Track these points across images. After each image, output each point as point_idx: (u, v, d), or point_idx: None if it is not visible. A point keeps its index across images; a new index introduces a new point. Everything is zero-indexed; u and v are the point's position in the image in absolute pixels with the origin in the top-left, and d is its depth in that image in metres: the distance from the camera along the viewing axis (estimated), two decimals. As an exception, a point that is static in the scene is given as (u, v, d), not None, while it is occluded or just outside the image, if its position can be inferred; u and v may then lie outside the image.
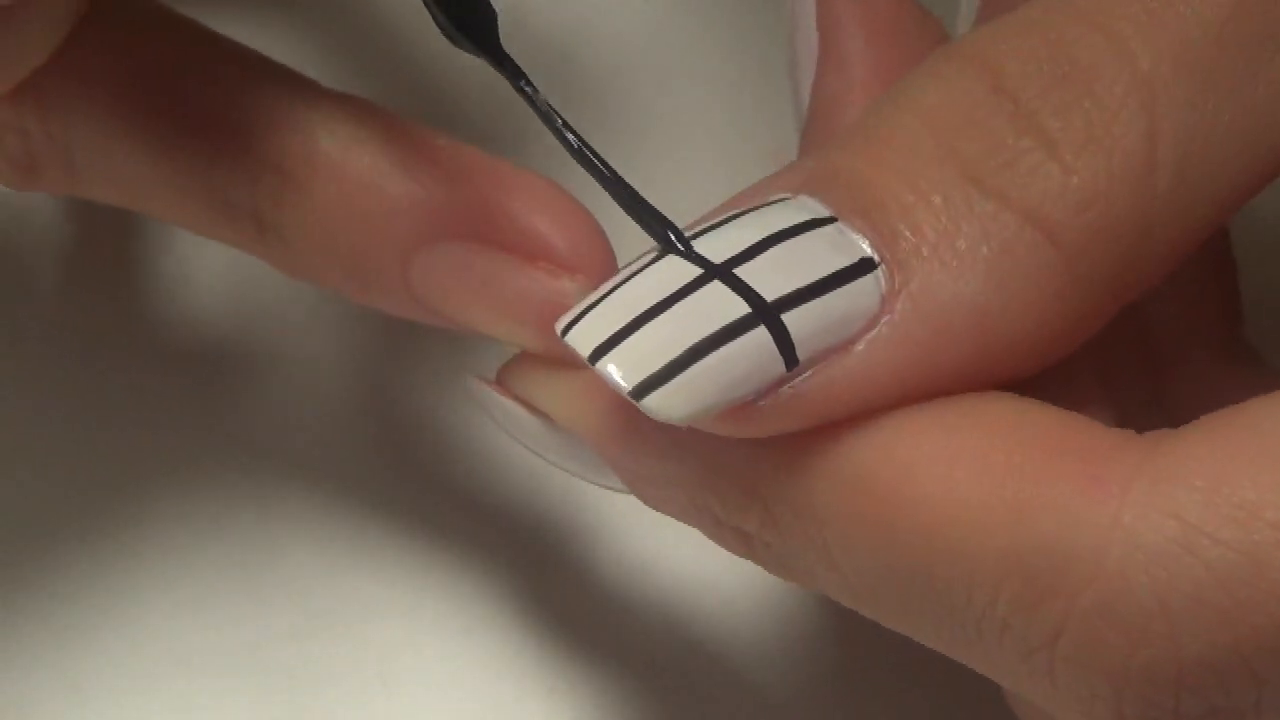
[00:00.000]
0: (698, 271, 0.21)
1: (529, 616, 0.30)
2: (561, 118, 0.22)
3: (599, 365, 0.20)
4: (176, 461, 0.30)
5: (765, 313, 0.20)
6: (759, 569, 0.30)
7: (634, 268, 0.21)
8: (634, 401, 0.20)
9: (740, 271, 0.20)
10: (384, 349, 0.32)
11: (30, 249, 0.32)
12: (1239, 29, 0.21)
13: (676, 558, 0.30)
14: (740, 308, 0.20)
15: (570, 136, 0.22)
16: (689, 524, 0.23)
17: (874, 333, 0.20)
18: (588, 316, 0.21)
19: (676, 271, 0.21)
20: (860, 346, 0.20)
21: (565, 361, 0.24)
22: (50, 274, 0.32)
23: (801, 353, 0.20)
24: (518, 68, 0.23)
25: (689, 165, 0.33)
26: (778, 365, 0.20)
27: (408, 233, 0.25)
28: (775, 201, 0.21)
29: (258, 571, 0.30)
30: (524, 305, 0.24)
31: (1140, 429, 0.21)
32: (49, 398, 0.31)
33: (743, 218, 0.21)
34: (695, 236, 0.21)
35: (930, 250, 0.20)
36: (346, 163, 0.25)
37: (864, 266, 0.20)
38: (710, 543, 0.30)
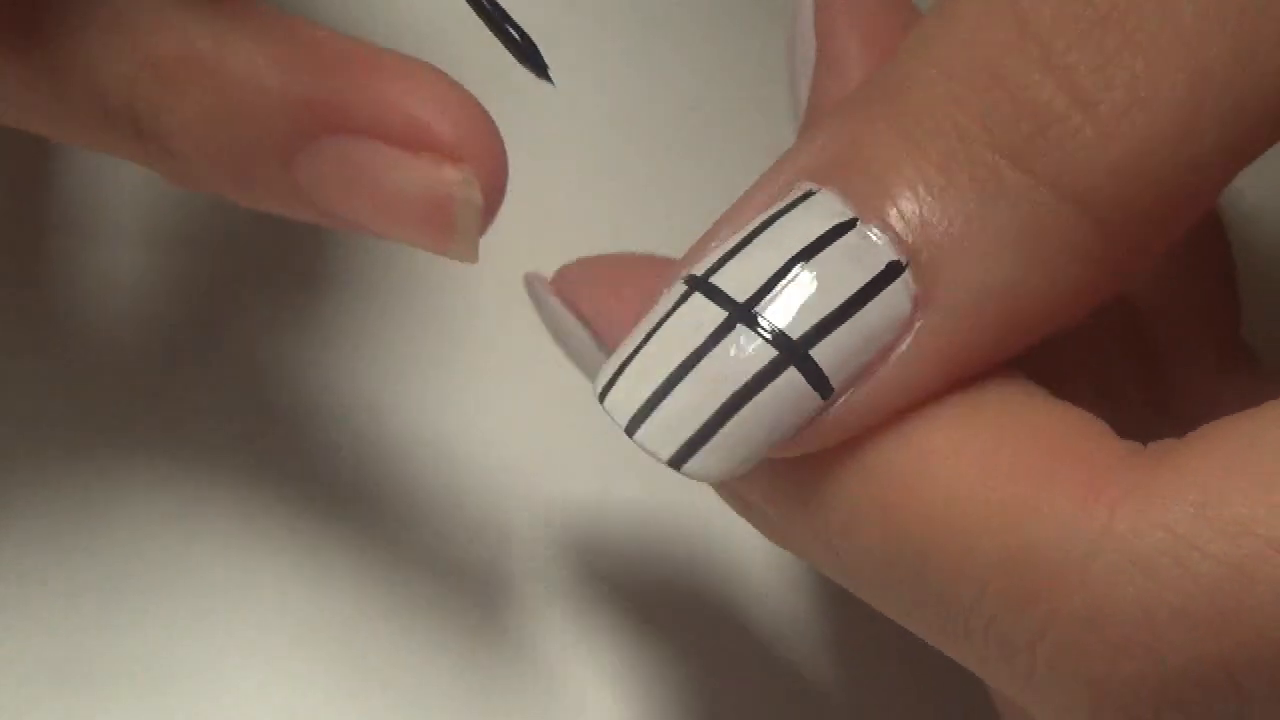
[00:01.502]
0: (722, 315, 0.20)
1: (528, 617, 0.30)
2: None
3: (636, 438, 0.20)
4: (173, 462, 0.31)
5: (794, 353, 0.20)
6: (760, 572, 0.30)
7: (659, 313, 0.21)
8: (674, 470, 0.20)
9: (763, 309, 0.20)
10: (383, 350, 0.32)
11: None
12: None
13: (677, 559, 0.30)
14: (767, 353, 0.20)
15: None
16: None
17: (908, 340, 0.20)
18: (621, 379, 0.20)
19: (701, 316, 0.20)
20: (895, 356, 0.20)
21: (610, 272, 0.24)
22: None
23: (836, 381, 0.20)
24: None
25: (688, 162, 0.33)
26: (813, 400, 0.20)
27: (289, 130, 0.24)
28: (791, 207, 0.21)
29: (257, 572, 0.30)
30: (410, 200, 0.23)
31: (1138, 433, 0.21)
32: (45, 398, 0.31)
33: (762, 235, 0.20)
34: (719, 266, 0.21)
35: (959, 237, 0.20)
36: (223, 61, 0.24)
37: (890, 272, 0.20)
38: (711, 544, 0.30)
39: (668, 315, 0.20)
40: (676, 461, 0.20)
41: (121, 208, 0.32)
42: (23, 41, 0.24)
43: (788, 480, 0.21)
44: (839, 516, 0.20)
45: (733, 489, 0.22)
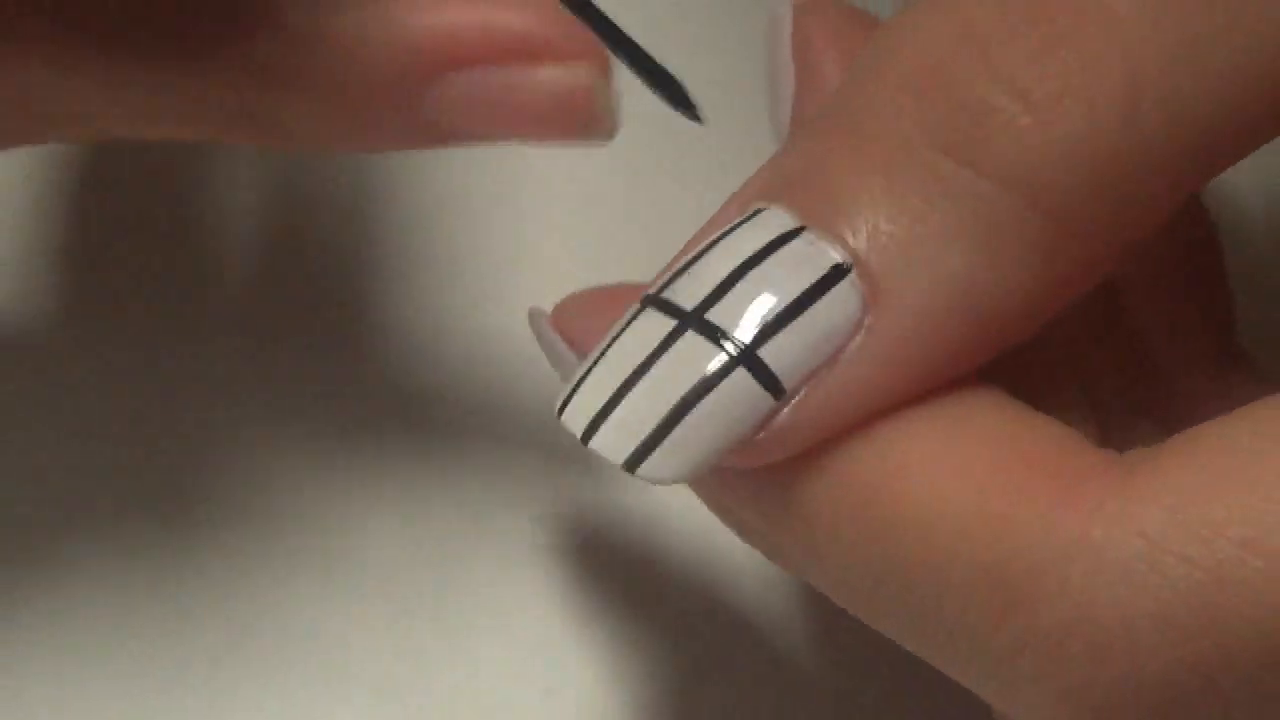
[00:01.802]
0: (672, 324, 0.20)
1: (528, 617, 0.30)
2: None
3: (591, 445, 0.20)
4: (172, 462, 0.31)
5: (742, 354, 0.20)
6: (758, 575, 0.30)
7: (616, 329, 0.21)
8: (629, 473, 0.20)
9: (712, 314, 0.20)
10: (381, 352, 0.32)
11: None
12: None
13: (677, 559, 0.30)
14: (715, 355, 0.20)
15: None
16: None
17: (859, 339, 0.20)
18: (577, 394, 0.21)
19: (653, 326, 0.21)
20: (847, 356, 0.20)
21: (603, 303, 0.24)
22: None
23: (788, 381, 0.20)
24: None
25: (686, 164, 0.33)
26: (766, 401, 0.20)
27: (406, 83, 0.24)
28: (744, 222, 0.21)
29: (256, 572, 0.30)
30: (549, 107, 0.24)
31: (1125, 434, 0.21)
32: (44, 399, 0.31)
33: (712, 250, 0.21)
34: (671, 282, 0.21)
35: (905, 238, 0.20)
36: (322, 36, 0.24)
37: (837, 274, 0.20)
38: (711, 546, 0.30)
39: (621, 331, 0.21)
40: (631, 464, 0.20)
41: (120, 208, 0.32)
42: (115, 60, 0.24)
43: (772, 499, 0.21)
44: (821, 533, 0.20)
45: (722, 504, 0.23)
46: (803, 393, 0.20)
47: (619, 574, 0.30)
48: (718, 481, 0.22)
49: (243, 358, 0.31)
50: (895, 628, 0.21)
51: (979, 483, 0.19)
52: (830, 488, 0.20)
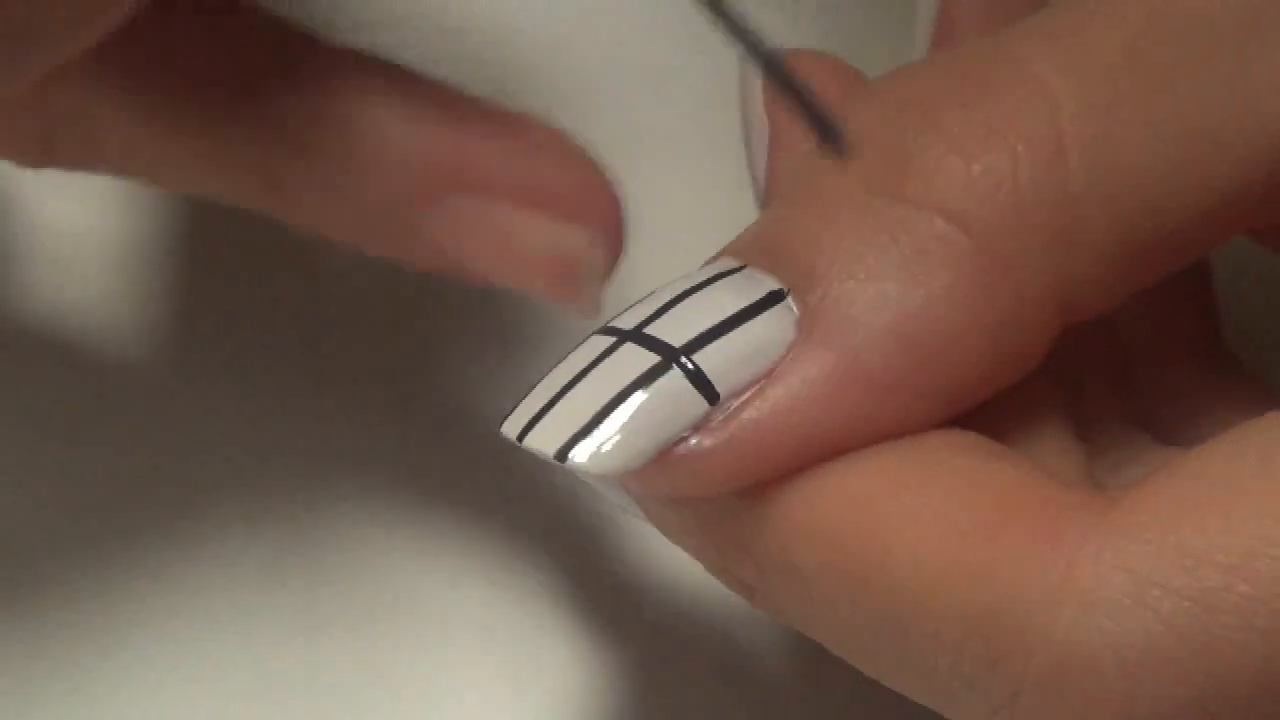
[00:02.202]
0: (610, 340, 0.21)
1: (528, 617, 0.30)
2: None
3: (525, 443, 0.21)
4: (174, 463, 0.31)
5: (675, 356, 0.20)
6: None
7: (561, 358, 0.22)
8: (560, 464, 0.20)
9: (651, 329, 0.21)
10: (383, 348, 0.32)
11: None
12: (1151, 43, 0.20)
13: (678, 560, 0.30)
14: (650, 358, 0.20)
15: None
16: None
17: (794, 358, 0.20)
18: (519, 408, 0.21)
19: (593, 346, 0.21)
20: (785, 374, 0.20)
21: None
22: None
23: (721, 387, 0.20)
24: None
25: (687, 176, 0.32)
26: (699, 403, 0.20)
27: (418, 188, 0.25)
28: (693, 272, 0.21)
29: (256, 572, 0.30)
30: (536, 257, 0.25)
31: (1121, 449, 0.22)
32: (43, 399, 0.31)
33: (659, 291, 0.21)
34: (617, 316, 0.21)
35: (840, 267, 0.20)
36: (352, 119, 0.25)
37: (772, 298, 0.21)
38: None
39: (566, 356, 0.21)
40: (562, 454, 0.20)
41: (119, 208, 0.32)
42: (154, 101, 0.25)
43: (761, 556, 0.21)
44: (817, 591, 0.21)
45: (715, 565, 0.23)
46: (739, 404, 0.20)
47: (624, 575, 0.30)
48: (708, 539, 0.22)
49: (242, 359, 0.31)
50: (898, 680, 0.21)
51: (958, 533, 0.19)
52: (815, 551, 0.20)
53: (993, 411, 0.21)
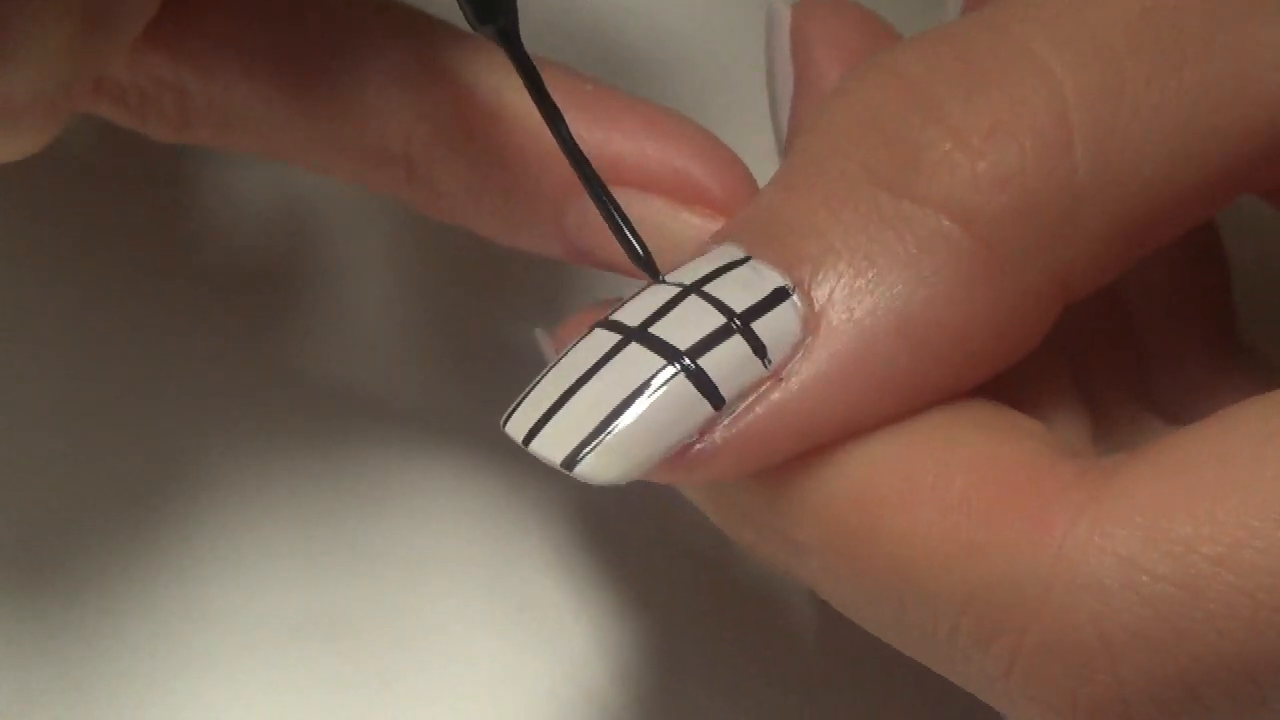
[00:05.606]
0: (617, 338, 0.21)
1: (529, 617, 0.30)
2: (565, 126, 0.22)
3: (531, 448, 0.21)
4: (174, 462, 0.31)
5: (679, 360, 0.20)
6: (759, 577, 0.30)
7: (565, 350, 0.22)
8: (568, 472, 0.20)
9: (656, 329, 0.21)
10: (385, 348, 0.32)
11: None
12: (1154, 22, 0.21)
13: (679, 560, 0.30)
14: (656, 362, 0.20)
15: (569, 141, 0.22)
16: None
17: (800, 358, 0.21)
18: (522, 405, 0.21)
19: (599, 342, 0.21)
20: (790, 374, 0.21)
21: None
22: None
23: (725, 390, 0.20)
24: (532, 66, 0.22)
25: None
26: (704, 408, 0.20)
27: (563, 180, 0.24)
28: (695, 257, 0.22)
29: (257, 572, 0.30)
30: (680, 251, 0.24)
31: (1129, 426, 0.22)
32: (46, 394, 0.31)
33: (666, 278, 0.22)
34: (620, 307, 0.21)
35: (845, 264, 0.21)
36: (500, 111, 0.25)
37: (778, 296, 0.21)
38: (712, 548, 0.30)
39: (570, 349, 0.21)
40: (569, 464, 0.20)
41: (120, 209, 0.32)
42: (300, 89, 0.25)
43: (771, 531, 0.22)
44: (819, 563, 0.21)
45: (735, 533, 0.23)
46: (744, 405, 0.21)
47: (625, 574, 0.30)
48: (722, 507, 0.23)
49: (239, 356, 0.31)
50: (899, 643, 0.21)
51: (952, 511, 0.20)
52: (817, 526, 0.21)
53: (1000, 377, 0.22)
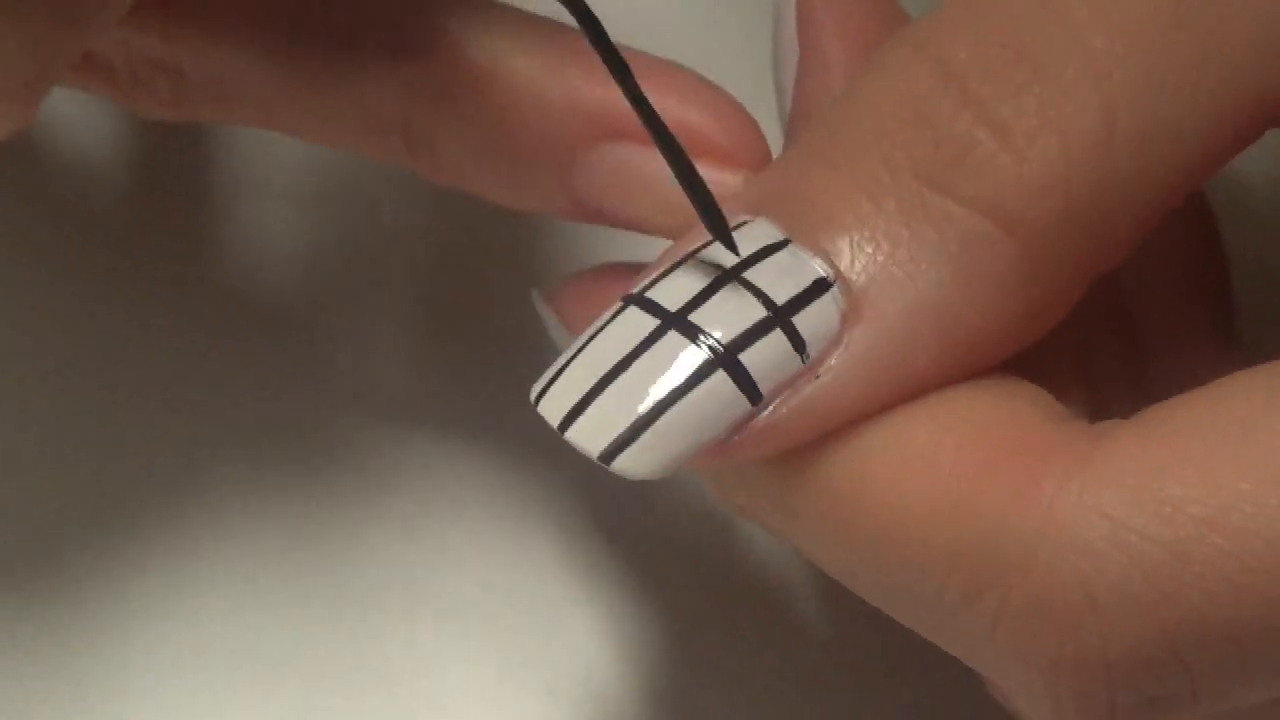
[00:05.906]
0: (655, 323, 0.21)
1: (530, 617, 0.30)
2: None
3: (568, 436, 0.21)
4: (175, 463, 0.31)
5: (721, 357, 0.20)
6: (760, 574, 0.30)
7: (597, 324, 0.21)
8: (604, 465, 0.20)
9: (695, 317, 0.21)
10: (389, 346, 0.32)
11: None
12: (1193, 3, 0.20)
13: (679, 560, 0.30)
14: (697, 356, 0.20)
15: (640, 98, 0.21)
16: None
17: (837, 354, 0.21)
18: (556, 384, 0.21)
19: (635, 325, 0.21)
20: (826, 369, 0.21)
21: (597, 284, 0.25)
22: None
23: (764, 387, 0.20)
24: (595, 17, 0.22)
25: None
26: (742, 404, 0.20)
27: (567, 138, 0.24)
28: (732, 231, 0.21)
29: (257, 571, 0.30)
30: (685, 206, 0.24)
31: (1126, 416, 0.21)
32: (50, 391, 0.31)
33: (698, 256, 0.21)
34: (655, 282, 0.21)
35: (885, 259, 0.21)
36: (498, 73, 0.24)
37: (819, 288, 0.21)
38: (712, 546, 0.30)
39: (604, 326, 0.21)
40: (607, 457, 0.20)
41: (121, 208, 0.32)
42: (296, 60, 0.25)
43: (763, 494, 0.22)
44: (808, 528, 0.21)
45: (723, 495, 0.23)
46: (779, 400, 0.21)
47: (626, 574, 0.30)
48: (714, 470, 0.23)
49: (241, 358, 0.31)
50: (889, 608, 0.21)
51: (944, 470, 0.20)
52: (805, 490, 0.21)
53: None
